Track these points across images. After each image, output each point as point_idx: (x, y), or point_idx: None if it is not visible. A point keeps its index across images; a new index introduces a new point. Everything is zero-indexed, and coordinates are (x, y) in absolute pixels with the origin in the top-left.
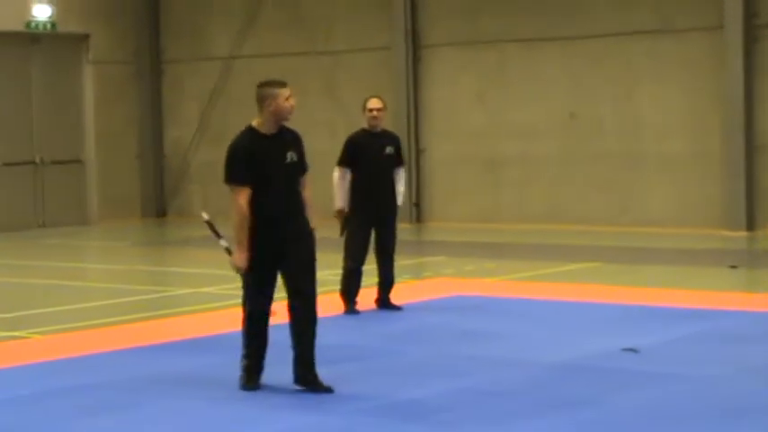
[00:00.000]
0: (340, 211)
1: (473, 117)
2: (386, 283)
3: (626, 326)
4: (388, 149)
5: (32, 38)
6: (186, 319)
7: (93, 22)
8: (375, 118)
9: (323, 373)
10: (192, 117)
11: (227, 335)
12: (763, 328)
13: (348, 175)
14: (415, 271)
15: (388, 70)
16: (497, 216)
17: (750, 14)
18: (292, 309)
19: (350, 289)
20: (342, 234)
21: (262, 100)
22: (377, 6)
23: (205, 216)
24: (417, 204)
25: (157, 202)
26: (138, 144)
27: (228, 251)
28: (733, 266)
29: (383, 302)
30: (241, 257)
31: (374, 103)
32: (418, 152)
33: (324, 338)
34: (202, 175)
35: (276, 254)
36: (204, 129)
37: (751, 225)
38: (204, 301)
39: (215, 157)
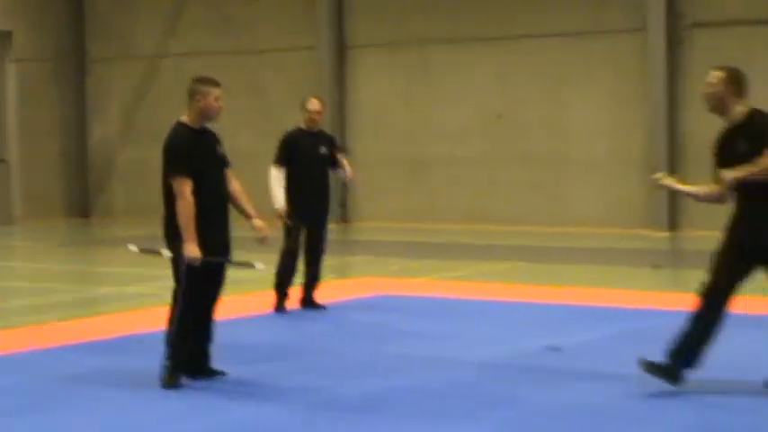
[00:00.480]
0: (281, 212)
1: (399, 117)
2: (312, 282)
3: (550, 325)
4: (323, 149)
5: None
6: (110, 319)
7: (15, 20)
8: (313, 120)
9: (251, 371)
10: (118, 116)
11: (151, 334)
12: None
13: (284, 174)
14: (341, 270)
15: (314, 70)
16: (423, 216)
17: (674, 15)
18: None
19: (284, 283)
20: (289, 235)
21: (192, 95)
22: (303, 6)
23: (133, 248)
24: (343, 204)
25: (82, 202)
26: (63, 143)
27: (172, 257)
28: (656, 266)
29: (308, 302)
30: (195, 248)
31: (314, 105)
32: (344, 152)
33: (251, 337)
34: (127, 174)
35: (215, 245)
36: (129, 127)
37: (673, 225)
38: (128, 301)
39: (140, 155)
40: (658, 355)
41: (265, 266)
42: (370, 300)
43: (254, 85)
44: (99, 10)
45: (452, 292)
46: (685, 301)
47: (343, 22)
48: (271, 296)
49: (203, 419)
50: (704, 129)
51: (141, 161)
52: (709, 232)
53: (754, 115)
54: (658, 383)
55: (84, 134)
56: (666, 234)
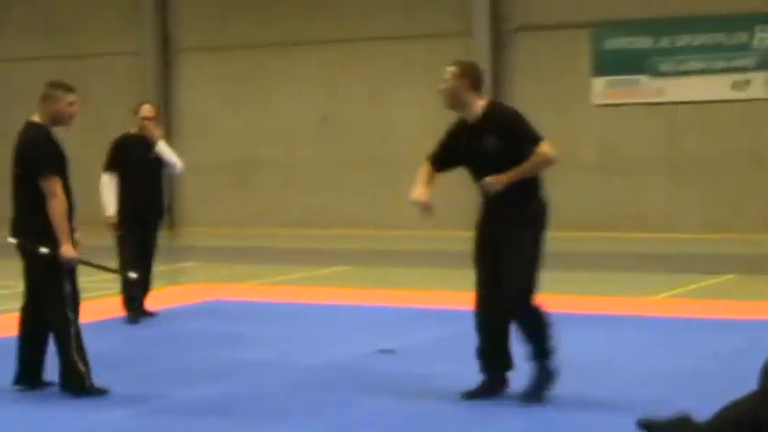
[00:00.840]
0: (112, 219)
1: (227, 122)
2: (144, 290)
3: (382, 328)
4: (154, 154)
5: None
6: None
7: None
8: (145, 127)
9: None
10: None
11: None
12: None
13: (115, 180)
14: (171, 277)
15: (140, 75)
16: (253, 221)
17: (498, 19)
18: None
19: (133, 296)
20: (122, 244)
21: (44, 98)
22: (127, 10)
23: (12, 241)
24: (170, 209)
25: None
26: None
27: (50, 252)
28: None
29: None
30: (71, 249)
31: (146, 111)
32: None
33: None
34: None
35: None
36: None
37: None
38: None
39: None
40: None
41: (136, 275)
42: (201, 306)
43: (77, 90)
44: None
45: (284, 296)
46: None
47: (168, 27)
48: (101, 304)
49: (41, 429)
50: None
51: None
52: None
53: (496, 109)
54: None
55: None
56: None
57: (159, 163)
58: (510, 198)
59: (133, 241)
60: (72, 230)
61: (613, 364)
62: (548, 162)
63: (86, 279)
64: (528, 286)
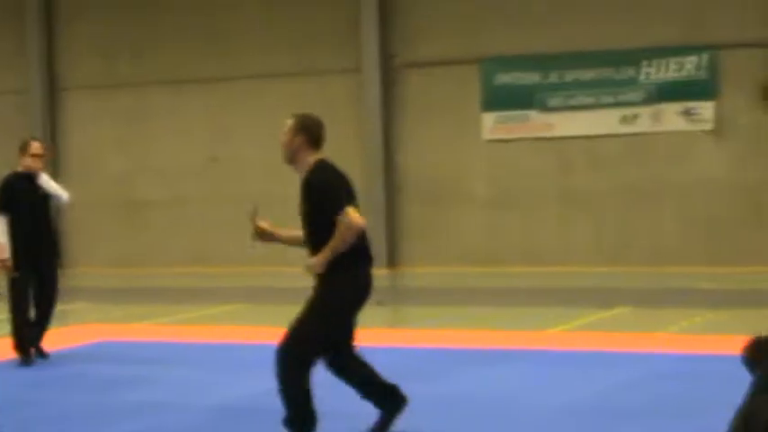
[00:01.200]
0: (7, 262)
1: (114, 160)
2: (40, 330)
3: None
4: (42, 191)
5: None
6: None
7: None
8: (36, 163)
9: None
10: None
11: None
12: (412, 364)
13: (6, 221)
14: (59, 318)
15: (24, 113)
16: (142, 260)
17: (388, 56)
18: None
19: (24, 338)
20: (14, 288)
21: None
22: (12, 47)
23: None
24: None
25: None
26: None
27: None
28: (379, 303)
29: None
30: None
31: (35, 148)
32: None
33: None
34: None
35: None
36: None
37: (392, 262)
38: None
39: None
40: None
41: None
42: (91, 347)
43: None
44: None
45: (177, 336)
46: (410, 337)
47: (55, 65)
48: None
49: None
50: (419, 167)
51: None
52: (426, 268)
53: (315, 169)
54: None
55: None
56: (386, 271)
57: (47, 199)
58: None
59: (25, 284)
60: None
61: (511, 399)
62: (351, 232)
63: None
64: (298, 341)
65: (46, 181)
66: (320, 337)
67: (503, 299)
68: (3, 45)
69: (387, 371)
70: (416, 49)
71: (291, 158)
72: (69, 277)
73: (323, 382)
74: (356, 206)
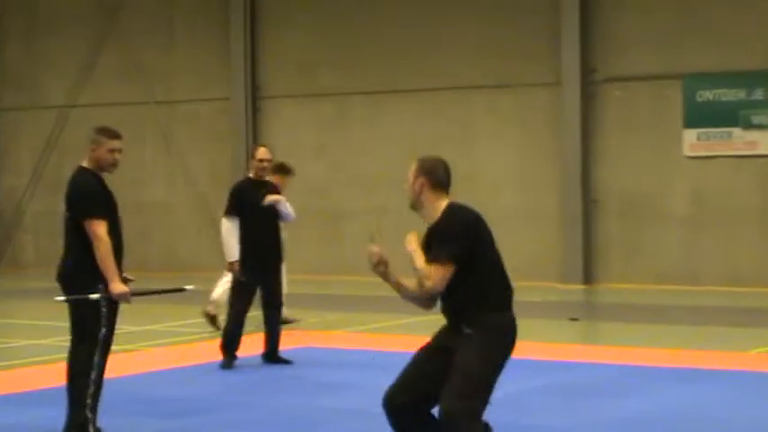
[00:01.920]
0: (233, 264)
1: (313, 168)
2: (273, 336)
3: None
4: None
5: None
6: (24, 372)
7: None
8: (263, 169)
9: (174, 426)
10: (27, 166)
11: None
12: (606, 380)
13: (237, 225)
14: (259, 323)
15: (228, 121)
16: (340, 268)
17: (588, 70)
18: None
19: (230, 342)
20: (239, 291)
21: (90, 143)
22: (216, 57)
23: (60, 299)
24: None
25: None
26: None
27: (101, 296)
28: (573, 319)
29: (271, 356)
30: (121, 285)
31: (262, 154)
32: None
33: (175, 390)
34: (36, 225)
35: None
36: (39, 178)
37: (588, 279)
38: (41, 354)
39: (50, 206)
40: (582, 407)
41: (193, 286)
42: (293, 352)
43: (165, 135)
44: (10, 59)
45: (373, 344)
46: (603, 354)
47: (257, 73)
48: (203, 347)
49: None
50: (617, 183)
51: (50, 212)
52: (623, 285)
53: (445, 214)
54: None
55: None
56: (581, 287)
57: (275, 209)
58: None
59: (246, 289)
60: (121, 271)
61: (706, 420)
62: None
63: (179, 323)
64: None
65: (281, 203)
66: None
67: (700, 318)
68: (208, 55)
69: (580, 386)
70: (617, 63)
71: (414, 203)
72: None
73: None
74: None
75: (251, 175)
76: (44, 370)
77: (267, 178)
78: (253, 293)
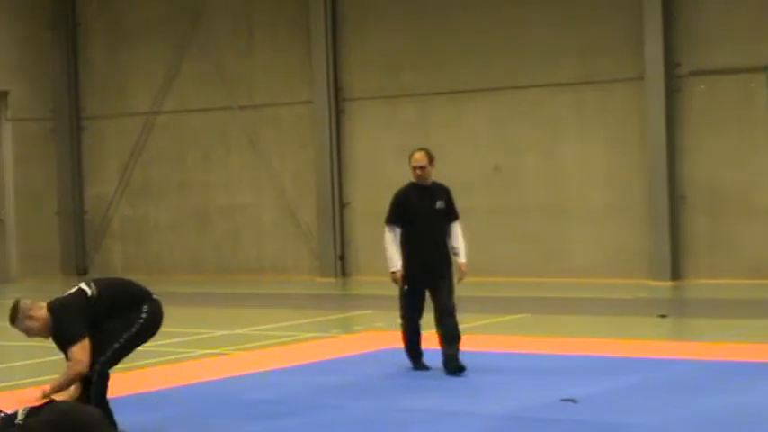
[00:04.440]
0: (398, 274)
1: (396, 170)
2: (448, 343)
3: (562, 376)
4: (439, 204)
5: None
6: (114, 377)
7: (11, 79)
8: (419, 175)
9: (266, 428)
10: (114, 173)
11: (155, 392)
12: (698, 377)
13: (398, 233)
14: (345, 325)
15: (311, 124)
16: None
17: (672, 64)
18: None
19: (411, 351)
20: (404, 299)
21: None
22: (299, 60)
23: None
24: (342, 258)
25: (78, 259)
26: (59, 201)
27: None
28: (662, 316)
29: (448, 364)
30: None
31: (417, 159)
32: (342, 206)
33: (265, 393)
34: (124, 232)
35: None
36: (126, 185)
37: (676, 274)
38: (133, 359)
39: (137, 212)
40: (673, 404)
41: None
42: (379, 353)
43: (250, 140)
44: (95, 67)
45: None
46: (693, 350)
47: (340, 75)
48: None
49: None
50: (703, 177)
51: (137, 219)
52: (711, 280)
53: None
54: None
55: (81, 192)
56: (669, 283)
57: (443, 213)
58: None
59: (421, 294)
60: None
61: None
62: None
63: (269, 326)
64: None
65: (458, 230)
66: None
67: None
68: (290, 59)
69: (671, 383)
70: (702, 57)
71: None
72: (354, 285)
73: None
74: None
75: (414, 179)
76: (136, 375)
77: (431, 181)
78: (422, 298)
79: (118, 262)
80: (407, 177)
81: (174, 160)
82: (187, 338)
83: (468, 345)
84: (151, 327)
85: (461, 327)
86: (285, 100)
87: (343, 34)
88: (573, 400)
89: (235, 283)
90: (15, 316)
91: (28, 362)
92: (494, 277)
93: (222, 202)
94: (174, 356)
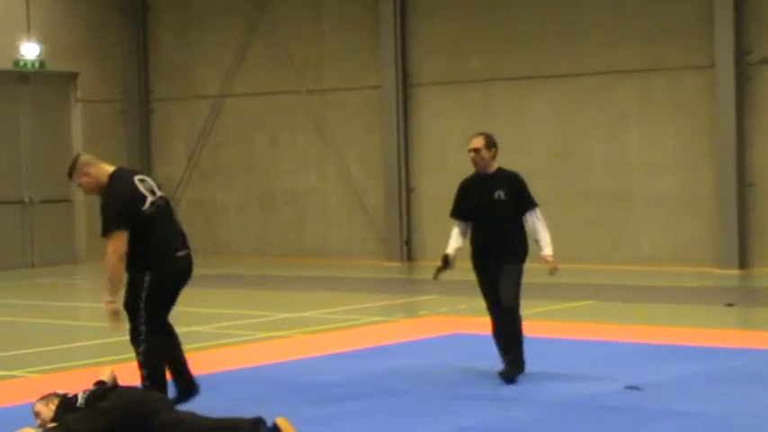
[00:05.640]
0: (443, 257)
1: (462, 155)
2: (504, 340)
3: (627, 364)
4: (497, 193)
5: (21, 76)
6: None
7: (81, 61)
8: (474, 161)
9: (324, 411)
10: (182, 155)
11: (219, 373)
12: (766, 368)
13: (463, 225)
14: (410, 310)
15: (378, 109)
16: None
17: (742, 52)
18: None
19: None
20: (435, 276)
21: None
22: (367, 45)
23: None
24: (408, 242)
25: None
26: None
27: None
28: (729, 304)
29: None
30: None
31: (471, 143)
32: (408, 190)
33: (322, 377)
34: (192, 213)
35: None
36: (193, 167)
37: (743, 263)
38: (198, 341)
39: (204, 195)
40: (740, 394)
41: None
42: (443, 339)
43: (317, 124)
44: (163, 50)
45: (525, 330)
46: (760, 339)
47: (407, 61)
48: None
49: None
50: None
51: (205, 201)
52: None
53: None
54: (742, 421)
55: (149, 173)
56: (737, 272)
57: (504, 204)
58: None
59: (481, 288)
60: None
61: None
62: None
63: (330, 310)
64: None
65: (535, 220)
66: None
67: None
68: (358, 43)
69: (738, 372)
70: None
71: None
72: (419, 269)
73: None
74: None
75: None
76: (201, 356)
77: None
78: (486, 289)
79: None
80: (469, 163)
81: (242, 143)
82: (251, 321)
83: (535, 331)
84: (166, 283)
85: (527, 312)
86: (353, 84)
87: (411, 19)
88: (638, 388)
89: (300, 267)
90: (74, 169)
91: (90, 343)
92: (560, 264)
93: (288, 185)
94: (237, 339)
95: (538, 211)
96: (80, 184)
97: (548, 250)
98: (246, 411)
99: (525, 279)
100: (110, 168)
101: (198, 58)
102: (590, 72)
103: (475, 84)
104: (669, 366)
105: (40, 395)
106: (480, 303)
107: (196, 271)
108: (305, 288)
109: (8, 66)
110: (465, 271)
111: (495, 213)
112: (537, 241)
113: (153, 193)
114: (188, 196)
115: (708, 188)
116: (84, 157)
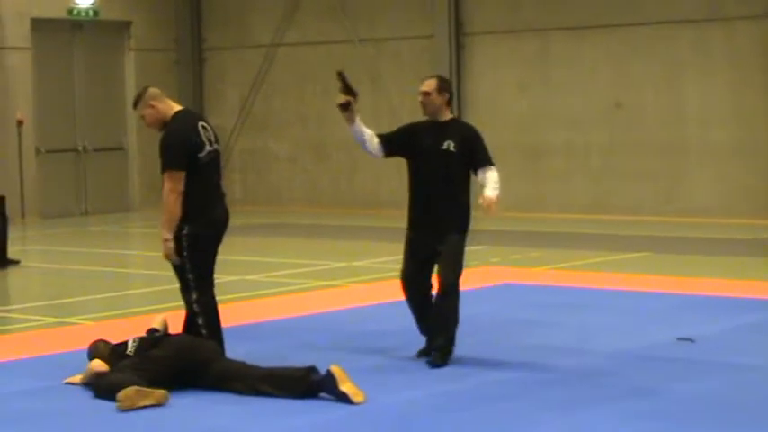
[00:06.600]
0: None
1: (516, 106)
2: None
3: (680, 316)
4: (447, 143)
5: (74, 25)
6: (230, 307)
7: (134, 10)
8: (422, 104)
9: (376, 360)
10: (234, 105)
11: (271, 322)
12: None
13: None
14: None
15: (431, 58)
16: (540, 206)
17: None
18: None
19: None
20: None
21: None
22: None
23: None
24: None
25: None
26: None
27: None
28: None
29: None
30: None
31: (422, 85)
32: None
33: (374, 325)
34: (244, 163)
35: None
36: (246, 117)
37: None
38: (249, 289)
39: (256, 145)
40: None
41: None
42: (494, 289)
43: (370, 74)
44: None
45: (577, 281)
46: None
47: (460, 10)
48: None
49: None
50: None
51: (257, 150)
52: None
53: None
54: None
55: None
56: None
57: (452, 156)
58: None
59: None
60: None
61: None
62: None
63: (381, 260)
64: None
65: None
66: None
67: None
68: None
69: None
70: None
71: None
72: (474, 221)
73: None
74: None
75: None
76: (249, 305)
77: (446, 117)
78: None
79: (238, 193)
80: (528, 111)
81: (294, 93)
82: (302, 270)
83: (587, 281)
84: (208, 232)
85: (579, 263)
86: (406, 34)
87: None
88: (690, 340)
89: (351, 217)
90: (140, 99)
91: (142, 290)
92: (612, 215)
93: (340, 135)
94: (288, 287)
95: (494, 170)
96: (142, 116)
97: (491, 192)
98: (299, 360)
99: (582, 229)
100: (176, 107)
101: (250, 7)
102: (646, 22)
103: (529, 33)
104: (721, 318)
105: (89, 343)
106: (534, 254)
107: (248, 220)
108: (356, 237)
109: (62, 14)
110: (516, 221)
111: (440, 165)
112: (483, 187)
113: (211, 143)
114: (240, 146)
115: (762, 140)
116: (153, 90)
